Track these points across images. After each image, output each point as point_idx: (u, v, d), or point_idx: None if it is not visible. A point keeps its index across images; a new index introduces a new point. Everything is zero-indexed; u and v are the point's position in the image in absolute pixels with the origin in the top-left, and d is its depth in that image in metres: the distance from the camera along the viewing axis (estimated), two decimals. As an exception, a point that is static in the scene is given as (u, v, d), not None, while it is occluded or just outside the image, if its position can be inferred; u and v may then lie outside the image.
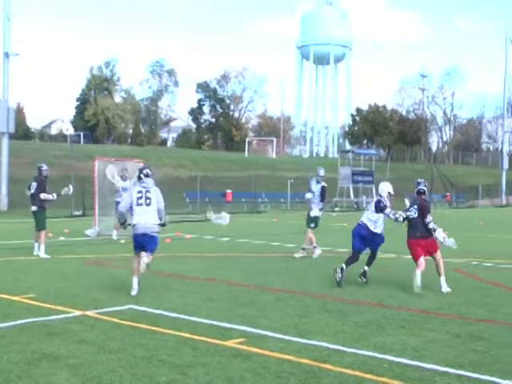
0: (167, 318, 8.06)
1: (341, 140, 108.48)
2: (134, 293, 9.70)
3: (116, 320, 7.88)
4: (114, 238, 18.76)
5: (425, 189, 10.99)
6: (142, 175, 10.38)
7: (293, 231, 23.66)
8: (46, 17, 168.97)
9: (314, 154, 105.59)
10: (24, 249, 15.89)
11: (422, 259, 10.61)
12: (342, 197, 46.99)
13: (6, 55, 34.12)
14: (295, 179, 45.97)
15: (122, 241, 18.02)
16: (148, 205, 10.12)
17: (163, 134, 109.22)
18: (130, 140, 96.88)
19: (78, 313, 8.28)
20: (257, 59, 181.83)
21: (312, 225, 15.65)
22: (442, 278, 10.65)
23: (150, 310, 8.56)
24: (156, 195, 10.30)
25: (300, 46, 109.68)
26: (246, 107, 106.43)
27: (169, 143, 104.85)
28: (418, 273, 10.36)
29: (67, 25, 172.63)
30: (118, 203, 18.57)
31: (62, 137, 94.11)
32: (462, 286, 11.34)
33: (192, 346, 6.75)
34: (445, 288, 10.55)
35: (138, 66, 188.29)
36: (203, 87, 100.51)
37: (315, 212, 15.67)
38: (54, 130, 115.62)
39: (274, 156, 76.13)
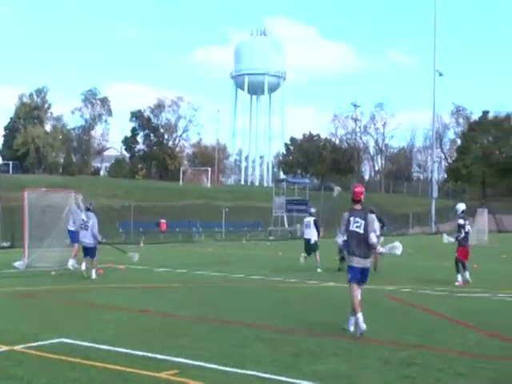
0: (100, 351, 7.93)
1: (275, 169, 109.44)
2: None
3: (46, 354, 7.69)
4: (70, 267, 18.68)
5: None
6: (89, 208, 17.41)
7: (227, 260, 23.69)
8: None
9: (249, 183, 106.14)
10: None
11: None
12: (276, 226, 47.28)
13: None
14: (230, 208, 46.04)
15: (53, 273, 17.67)
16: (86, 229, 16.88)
17: (96, 164, 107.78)
18: (61, 169, 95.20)
19: (4, 348, 8.05)
20: (192, 88, 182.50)
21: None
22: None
23: (82, 342, 8.40)
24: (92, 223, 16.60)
25: (234, 76, 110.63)
26: (181, 136, 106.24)
27: (102, 172, 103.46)
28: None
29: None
30: (70, 232, 19.47)
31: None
32: (393, 313, 11.57)
33: (124, 379, 6.66)
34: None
35: (69, 95, 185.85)
36: (137, 116, 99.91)
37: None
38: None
39: (209, 185, 76.09)
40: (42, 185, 33.88)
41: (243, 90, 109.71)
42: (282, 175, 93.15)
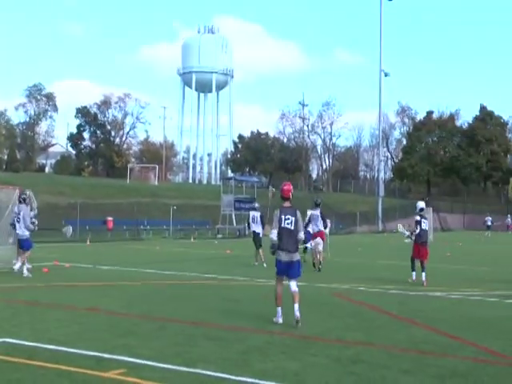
0: (45, 351, 7.78)
1: (223, 167, 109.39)
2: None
3: (-12, 355, 7.51)
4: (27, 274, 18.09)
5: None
6: (20, 200, 16.84)
7: (175, 259, 23.56)
8: None
9: (197, 181, 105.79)
10: None
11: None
12: (224, 224, 47.28)
13: None
14: (178, 206, 45.82)
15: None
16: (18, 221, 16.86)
17: (41, 160, 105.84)
18: (4, 166, 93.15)
19: None
20: (139, 86, 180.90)
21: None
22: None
23: (26, 342, 8.22)
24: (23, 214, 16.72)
25: (182, 73, 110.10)
26: (128, 133, 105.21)
27: (47, 169, 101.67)
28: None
29: None
30: (20, 238, 18.25)
31: None
32: (341, 311, 11.68)
33: (70, 379, 6.55)
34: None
35: (13, 90, 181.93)
36: (83, 113, 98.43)
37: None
38: None
39: (157, 183, 75.53)
40: (-16, 181, 33.08)
41: (191, 87, 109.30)
42: (230, 173, 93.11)
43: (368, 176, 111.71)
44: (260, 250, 20.87)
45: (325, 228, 20.12)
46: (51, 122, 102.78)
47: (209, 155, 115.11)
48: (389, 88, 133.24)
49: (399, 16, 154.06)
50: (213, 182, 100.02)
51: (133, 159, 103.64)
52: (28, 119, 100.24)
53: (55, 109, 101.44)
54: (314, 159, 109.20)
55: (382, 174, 77.61)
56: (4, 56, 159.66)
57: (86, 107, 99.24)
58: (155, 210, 49.95)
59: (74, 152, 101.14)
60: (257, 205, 22.84)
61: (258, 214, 21.69)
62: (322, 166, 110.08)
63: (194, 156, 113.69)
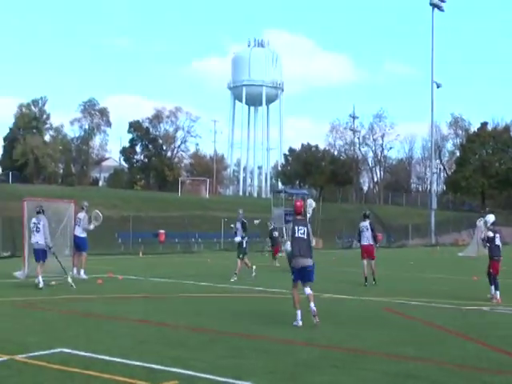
0: (99, 361, 7.95)
1: (273, 180, 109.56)
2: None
3: (45, 364, 7.71)
4: (85, 276, 19.10)
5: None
6: (39, 211, 17.06)
7: (226, 271, 23.66)
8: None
9: (247, 194, 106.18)
10: None
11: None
12: (275, 237, 47.18)
13: None
14: (229, 219, 46.00)
15: (53, 282, 17.67)
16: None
17: (95, 174, 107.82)
18: (60, 180, 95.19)
19: (5, 357, 8.07)
20: (190, 100, 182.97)
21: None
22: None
23: (81, 352, 8.42)
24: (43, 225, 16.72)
25: (232, 87, 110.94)
26: (179, 147, 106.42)
27: (100, 183, 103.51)
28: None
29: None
30: (76, 237, 19.62)
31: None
32: (391, 325, 11.58)
33: (124, 390, 6.69)
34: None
35: (68, 105, 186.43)
36: (135, 127, 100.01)
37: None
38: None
39: (207, 196, 76.14)
40: (41, 195, 33.88)
41: (241, 101, 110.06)
42: (280, 186, 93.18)
43: (420, 188, 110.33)
44: (242, 260, 20.41)
45: (375, 241, 19.59)
46: (104, 136, 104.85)
47: (259, 168, 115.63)
48: (441, 99, 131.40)
49: (451, 25, 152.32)
50: (263, 195, 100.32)
51: (184, 172, 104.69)
52: (82, 134, 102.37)
53: (108, 123, 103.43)
54: (364, 172, 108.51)
55: (434, 187, 76.65)
56: (60, 72, 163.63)
57: (138, 121, 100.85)
58: (206, 223, 50.30)
59: (126, 166, 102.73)
60: (241, 211, 21.75)
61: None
62: (373, 178, 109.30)
63: (245, 169, 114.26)
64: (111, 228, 40.13)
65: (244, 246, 20.63)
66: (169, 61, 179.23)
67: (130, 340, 9.47)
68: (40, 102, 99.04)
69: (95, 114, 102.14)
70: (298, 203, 11.96)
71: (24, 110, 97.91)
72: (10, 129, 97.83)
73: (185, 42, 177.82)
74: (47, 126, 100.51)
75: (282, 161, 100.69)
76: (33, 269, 18.89)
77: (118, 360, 8.01)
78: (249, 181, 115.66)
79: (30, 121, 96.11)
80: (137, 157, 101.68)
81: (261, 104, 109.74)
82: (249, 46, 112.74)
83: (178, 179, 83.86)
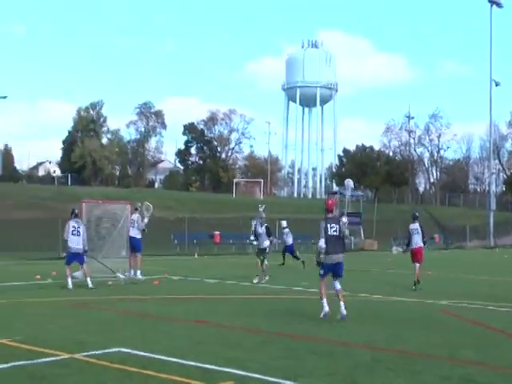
0: (156, 361, 8.06)
1: (328, 181, 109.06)
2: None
3: (104, 363, 7.87)
4: (141, 277, 19.31)
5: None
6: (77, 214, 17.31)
7: (280, 272, 23.70)
8: (33, 58, 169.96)
9: (302, 196, 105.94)
10: (11, 291, 15.82)
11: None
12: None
13: (-6, 97, 34.34)
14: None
15: (110, 282, 18.01)
16: (78, 235, 16.86)
17: (151, 176, 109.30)
18: (117, 182, 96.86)
19: (65, 356, 8.26)
20: (244, 101, 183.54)
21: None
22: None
23: (138, 352, 8.55)
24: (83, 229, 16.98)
25: (286, 88, 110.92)
26: (233, 149, 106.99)
27: (156, 185, 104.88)
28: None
29: (55, 66, 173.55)
30: (131, 238, 19.86)
31: (49, 178, 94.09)
32: (449, 328, 11.40)
33: (181, 389, 6.76)
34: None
35: (125, 108, 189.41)
36: (190, 129, 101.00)
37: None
38: (41, 172, 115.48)
39: (262, 197, 76.25)
40: (98, 197, 34.59)
41: (295, 102, 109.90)
42: (334, 187, 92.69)
43: (478, 189, 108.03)
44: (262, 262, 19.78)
45: (424, 243, 18.66)
46: (160, 138, 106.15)
47: (313, 169, 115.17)
48: (499, 98, 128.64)
49: (510, 22, 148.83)
50: (318, 196, 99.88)
51: (238, 174, 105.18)
52: (138, 136, 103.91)
53: (164, 126, 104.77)
54: (420, 172, 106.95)
55: (493, 187, 75.02)
56: (117, 76, 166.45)
57: (193, 124, 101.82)
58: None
59: (181, 168, 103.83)
60: (261, 209, 20.76)
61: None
62: (429, 179, 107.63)
63: (299, 170, 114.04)
64: (167, 229, 40.63)
65: (267, 251, 20.04)
66: (223, 63, 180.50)
67: (187, 340, 9.57)
68: (97, 105, 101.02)
69: (151, 117, 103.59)
70: (330, 201, 12.52)
71: (82, 113, 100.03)
72: (69, 132, 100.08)
73: (239, 43, 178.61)
74: (104, 128, 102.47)
75: (337, 162, 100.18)
76: (91, 269, 19.33)
77: (175, 360, 8.11)
78: (303, 182, 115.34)
79: (88, 124, 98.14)
80: (192, 159, 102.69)
81: (315, 105, 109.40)
82: (302, 46, 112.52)
83: (233, 181, 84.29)
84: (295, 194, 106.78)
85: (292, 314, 12.67)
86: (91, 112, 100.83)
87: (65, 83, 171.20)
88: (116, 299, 14.79)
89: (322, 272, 12.01)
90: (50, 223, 30.13)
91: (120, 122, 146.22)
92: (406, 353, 8.98)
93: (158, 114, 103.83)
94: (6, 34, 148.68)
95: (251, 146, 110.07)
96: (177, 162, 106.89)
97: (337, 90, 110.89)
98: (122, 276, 19.04)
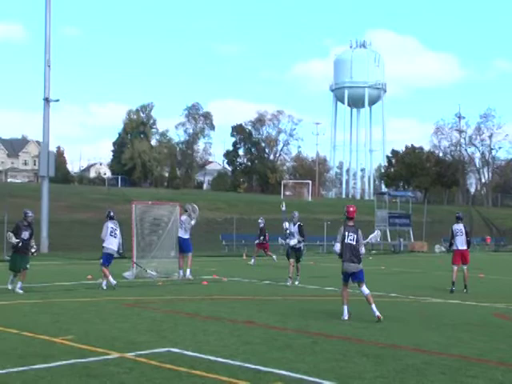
0: (205, 361, 8.08)
1: (377, 182, 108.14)
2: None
3: (154, 363, 7.93)
4: (190, 277, 19.47)
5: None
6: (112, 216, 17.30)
7: (331, 274, 23.55)
8: (85, 61, 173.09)
9: (350, 197, 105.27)
10: (64, 291, 16.10)
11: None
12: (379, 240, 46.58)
13: (47, 101, 34.96)
14: (332, 222, 45.77)
15: (160, 283, 18.17)
16: (115, 236, 17.05)
17: (199, 177, 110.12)
18: (166, 183, 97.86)
19: (116, 355, 8.35)
20: (292, 102, 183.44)
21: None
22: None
23: (187, 352, 8.59)
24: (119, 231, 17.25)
25: (334, 89, 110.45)
26: (281, 150, 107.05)
27: (205, 186, 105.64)
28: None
29: (106, 70, 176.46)
30: (180, 238, 19.98)
31: (100, 180, 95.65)
32: (503, 332, 11.15)
33: (230, 390, 6.76)
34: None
35: (174, 110, 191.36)
36: (238, 130, 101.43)
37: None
38: (92, 174, 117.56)
39: (310, 199, 76.09)
40: (148, 198, 34.98)
41: (343, 102, 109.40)
42: (383, 188, 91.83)
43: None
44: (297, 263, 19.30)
45: (468, 245, 17.88)
46: (208, 140, 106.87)
47: (362, 170, 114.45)
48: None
49: None
50: (366, 198, 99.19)
51: (286, 175, 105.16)
52: (187, 138, 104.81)
53: (212, 127, 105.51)
54: (471, 173, 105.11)
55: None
56: (166, 79, 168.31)
57: (240, 125, 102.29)
58: (309, 226, 50.14)
59: (230, 169, 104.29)
60: (296, 214, 20.35)
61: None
62: (480, 179, 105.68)
63: (347, 171, 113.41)
64: (215, 230, 40.87)
65: (302, 249, 19.73)
66: (271, 64, 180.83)
67: (235, 341, 9.58)
68: (147, 107, 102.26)
69: (199, 119, 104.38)
70: (351, 209, 12.28)
71: (132, 116, 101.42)
72: (119, 134, 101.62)
73: (287, 45, 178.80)
74: (153, 130, 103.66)
75: (385, 163, 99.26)
76: (141, 270, 19.56)
77: (223, 360, 8.12)
78: (351, 183, 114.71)
79: (138, 126, 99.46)
80: (240, 160, 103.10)
81: (363, 105, 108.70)
82: (351, 47, 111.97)
83: (281, 182, 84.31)
84: (343, 195, 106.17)
85: (340, 315, 12.56)
86: (141, 114, 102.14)
87: (116, 86, 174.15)
88: (166, 299, 14.91)
89: (342, 277, 12.26)
90: (102, 224, 30.56)
91: (169, 123, 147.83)
92: (459, 356, 8.80)
93: (207, 116, 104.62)
94: (59, 36, 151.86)
95: (299, 147, 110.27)
96: (225, 163, 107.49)
97: (385, 90, 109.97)
98: (154, 273, 19.27)
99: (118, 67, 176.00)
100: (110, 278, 16.69)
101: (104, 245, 17.10)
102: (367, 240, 12.63)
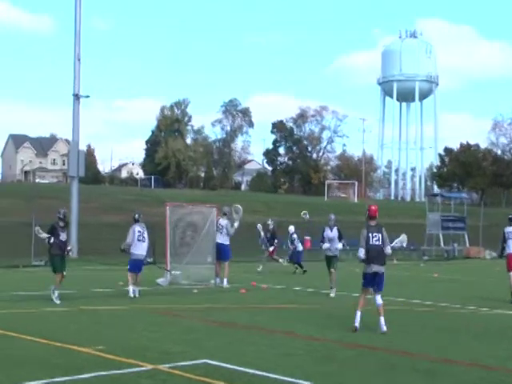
0: (243, 374, 8.10)
1: (428, 182, 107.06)
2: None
3: (189, 375, 7.96)
4: (227, 285, 19.45)
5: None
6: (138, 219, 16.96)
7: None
8: (116, 55, 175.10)
9: (399, 198, 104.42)
10: (94, 298, 16.31)
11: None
12: (430, 245, 46.12)
13: (76, 97, 35.40)
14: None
15: (195, 290, 18.26)
16: (143, 240, 16.82)
17: (237, 177, 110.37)
18: (202, 184, 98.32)
19: (149, 366, 8.42)
20: (336, 97, 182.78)
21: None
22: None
23: (225, 364, 8.62)
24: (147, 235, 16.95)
25: (382, 82, 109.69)
26: (325, 148, 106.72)
27: (243, 187, 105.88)
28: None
29: (138, 64, 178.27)
30: (220, 244, 19.86)
31: (132, 180, 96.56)
32: None
33: (269, 405, 6.76)
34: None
35: (210, 106, 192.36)
36: (279, 127, 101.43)
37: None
38: (124, 174, 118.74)
39: (356, 200, 75.71)
40: (183, 199, 35.20)
41: (391, 97, 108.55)
42: (436, 189, 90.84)
43: None
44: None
45: None
46: (247, 137, 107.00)
47: (412, 170, 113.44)
48: None
49: None
50: (417, 199, 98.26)
51: (330, 175, 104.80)
52: (224, 135, 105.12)
53: (251, 124, 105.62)
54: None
55: None
56: (202, 73, 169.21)
57: (281, 122, 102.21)
58: (354, 229, 49.90)
59: (269, 168, 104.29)
60: (333, 216, 19.57)
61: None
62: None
63: (396, 171, 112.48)
64: (254, 233, 40.86)
65: (338, 256, 18.87)
66: (313, 56, 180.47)
67: (275, 353, 9.57)
68: (182, 104, 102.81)
69: (237, 115, 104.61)
70: (374, 207, 12.21)
71: (166, 112, 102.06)
72: (152, 132, 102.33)
73: (330, 36, 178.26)
74: (189, 128, 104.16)
75: (438, 161, 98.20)
76: (175, 276, 19.68)
77: (262, 373, 8.12)
78: (401, 183, 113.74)
79: (172, 123, 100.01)
80: (280, 159, 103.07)
81: (413, 100, 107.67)
82: (400, 37, 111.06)
83: (324, 182, 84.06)
84: (392, 197, 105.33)
85: (393, 328, 12.43)
86: (175, 110, 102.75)
87: (148, 81, 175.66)
88: (202, 308, 14.98)
89: (363, 283, 12.24)
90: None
91: (205, 120, 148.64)
92: (517, 372, 8.67)
93: (245, 112, 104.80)
94: (89, 29, 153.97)
95: (344, 145, 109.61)
96: (264, 162, 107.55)
97: (437, 83, 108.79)
98: (184, 282, 19.40)
99: (150, 61, 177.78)
100: (131, 287, 16.52)
101: (131, 251, 16.90)
102: (393, 244, 12.44)
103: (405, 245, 14.77)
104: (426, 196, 64.09)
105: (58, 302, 15.04)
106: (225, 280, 19.67)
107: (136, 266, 16.90)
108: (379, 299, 11.88)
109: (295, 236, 28.25)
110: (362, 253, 11.94)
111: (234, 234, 20.17)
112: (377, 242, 11.83)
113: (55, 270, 15.61)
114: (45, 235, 15.56)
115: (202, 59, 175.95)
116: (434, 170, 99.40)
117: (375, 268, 11.85)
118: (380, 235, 11.89)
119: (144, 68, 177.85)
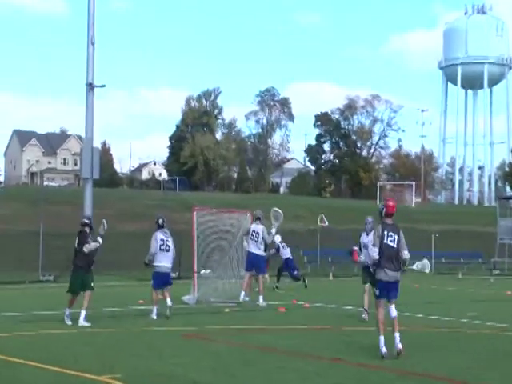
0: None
1: (499, 183, 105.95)
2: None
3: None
4: (264, 304, 19.37)
5: None
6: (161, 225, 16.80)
7: (438, 299, 23.22)
8: (135, 41, 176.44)
9: (465, 202, 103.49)
10: (111, 318, 16.42)
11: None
12: (502, 256, 45.58)
13: (90, 86, 35.59)
14: (441, 234, 45.12)
15: (227, 309, 18.27)
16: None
17: (275, 179, 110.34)
18: (234, 186, 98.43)
19: (173, 398, 8.44)
20: (389, 85, 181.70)
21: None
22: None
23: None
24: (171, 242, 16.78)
25: (443, 67, 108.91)
26: (377, 144, 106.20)
27: (282, 189, 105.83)
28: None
29: (159, 51, 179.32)
30: (253, 255, 19.66)
31: (154, 183, 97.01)
32: None
33: None
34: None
35: (243, 96, 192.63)
36: (323, 120, 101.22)
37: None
38: (145, 175, 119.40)
39: (413, 204, 75.23)
40: (212, 204, 35.27)
41: (455, 83, 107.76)
42: (508, 191, 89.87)
43: None
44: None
45: None
46: (286, 132, 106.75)
47: (480, 168, 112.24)
48: None
49: None
50: (486, 203, 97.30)
51: (383, 175, 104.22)
52: (260, 130, 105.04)
53: (290, 117, 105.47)
54: None
55: None
56: (234, 59, 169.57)
57: (326, 114, 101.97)
58: (412, 238, 49.45)
59: (312, 168, 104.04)
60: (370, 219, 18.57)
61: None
62: None
63: (461, 170, 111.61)
64: (295, 244, 40.82)
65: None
66: (362, 38, 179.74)
67: (323, 382, 9.53)
68: (212, 94, 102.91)
69: (275, 106, 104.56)
70: (391, 203, 12.11)
71: (193, 104, 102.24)
72: (177, 127, 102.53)
73: (382, 13, 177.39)
74: (219, 122, 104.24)
75: (510, 158, 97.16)
76: (204, 293, 19.71)
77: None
78: (466, 185, 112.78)
79: (200, 116, 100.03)
80: (325, 157, 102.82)
81: (482, 86, 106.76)
82: (465, 13, 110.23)
83: (376, 184, 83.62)
84: (456, 200, 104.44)
85: (457, 353, 12.33)
86: (204, 102, 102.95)
87: (172, 68, 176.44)
88: (234, 329, 14.98)
89: (377, 292, 11.91)
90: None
91: (238, 113, 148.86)
92: None
93: (284, 103, 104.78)
94: (107, 12, 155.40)
95: (399, 140, 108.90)
96: (306, 161, 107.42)
97: (510, 67, 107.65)
98: (213, 299, 19.40)
99: (174, 46, 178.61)
100: (155, 308, 16.41)
101: (154, 263, 16.70)
102: (413, 267, 12.15)
103: (427, 271, 14.27)
104: (497, 199, 63.40)
105: (69, 322, 15.14)
106: (260, 298, 19.54)
107: (160, 280, 16.70)
108: (394, 311, 11.72)
109: (283, 244, 27.11)
110: (375, 252, 11.72)
111: (271, 242, 20.11)
112: (391, 243, 11.65)
113: (73, 289, 15.42)
114: (100, 241, 15.59)
115: (234, 43, 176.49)
116: (507, 169, 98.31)
117: (391, 275, 11.62)
118: (396, 236, 11.72)
119: (166, 54, 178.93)
